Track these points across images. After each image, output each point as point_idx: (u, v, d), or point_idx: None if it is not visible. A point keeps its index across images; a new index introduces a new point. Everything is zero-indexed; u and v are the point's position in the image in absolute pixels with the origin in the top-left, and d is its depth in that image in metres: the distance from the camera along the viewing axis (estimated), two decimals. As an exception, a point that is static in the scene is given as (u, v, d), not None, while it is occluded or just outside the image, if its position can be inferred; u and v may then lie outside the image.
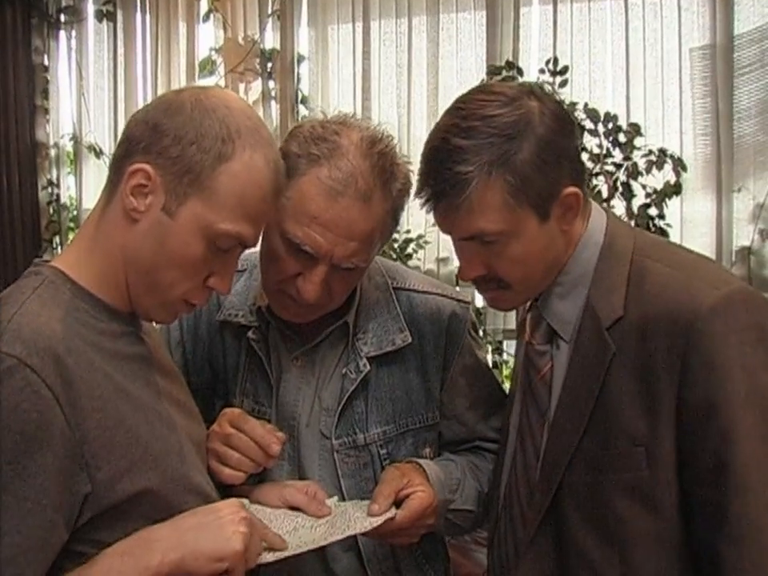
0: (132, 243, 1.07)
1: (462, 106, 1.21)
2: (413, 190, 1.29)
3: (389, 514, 1.25)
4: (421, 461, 1.38)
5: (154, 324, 1.25)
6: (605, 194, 2.50)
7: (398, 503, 1.28)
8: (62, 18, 3.78)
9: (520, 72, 2.64)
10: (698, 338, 1.10)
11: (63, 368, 0.97)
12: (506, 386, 1.66)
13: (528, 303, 1.33)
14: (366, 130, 1.31)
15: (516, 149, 1.15)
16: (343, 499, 1.36)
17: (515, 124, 1.16)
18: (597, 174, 2.51)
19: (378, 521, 1.23)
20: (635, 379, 1.15)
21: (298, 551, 1.17)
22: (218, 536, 1.04)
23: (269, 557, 1.14)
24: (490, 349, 2.74)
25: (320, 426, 1.40)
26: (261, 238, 1.33)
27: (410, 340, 1.41)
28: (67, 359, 0.98)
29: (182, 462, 1.11)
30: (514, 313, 2.71)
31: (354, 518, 1.24)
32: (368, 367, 1.39)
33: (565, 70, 2.59)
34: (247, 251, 1.16)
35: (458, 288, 2.04)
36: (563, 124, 1.21)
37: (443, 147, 1.18)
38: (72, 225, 3.84)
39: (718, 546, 1.09)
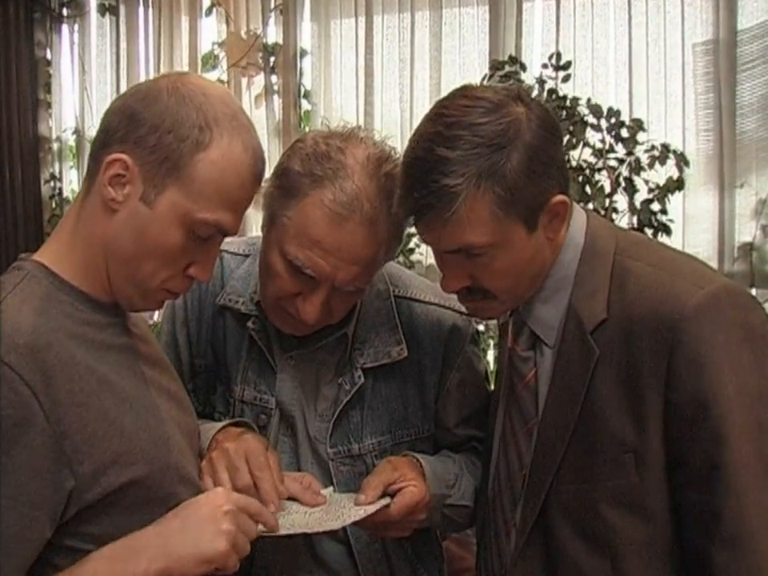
0: (111, 234, 1.06)
1: (444, 113, 1.14)
2: None
3: (382, 502, 1.24)
4: (418, 455, 1.37)
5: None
6: (607, 190, 2.50)
7: (391, 497, 1.27)
8: (65, 12, 3.79)
9: (523, 67, 2.63)
10: (684, 339, 1.07)
11: (42, 363, 0.96)
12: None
13: None
14: (372, 147, 1.27)
15: (504, 159, 1.09)
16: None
17: (503, 133, 1.10)
18: (599, 170, 2.50)
19: (371, 509, 1.23)
20: (621, 383, 1.12)
21: (291, 531, 1.17)
22: (200, 539, 1.02)
23: (262, 528, 1.13)
24: (492, 343, 2.73)
25: (314, 431, 1.39)
26: (260, 251, 1.32)
27: (405, 353, 1.39)
28: (47, 354, 0.97)
29: (169, 452, 1.10)
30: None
31: (348, 508, 1.24)
32: (362, 379, 1.37)
33: (568, 65, 2.58)
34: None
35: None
36: (551, 130, 1.16)
37: (427, 158, 1.11)
38: (74, 219, 3.84)
39: (709, 551, 1.06)
